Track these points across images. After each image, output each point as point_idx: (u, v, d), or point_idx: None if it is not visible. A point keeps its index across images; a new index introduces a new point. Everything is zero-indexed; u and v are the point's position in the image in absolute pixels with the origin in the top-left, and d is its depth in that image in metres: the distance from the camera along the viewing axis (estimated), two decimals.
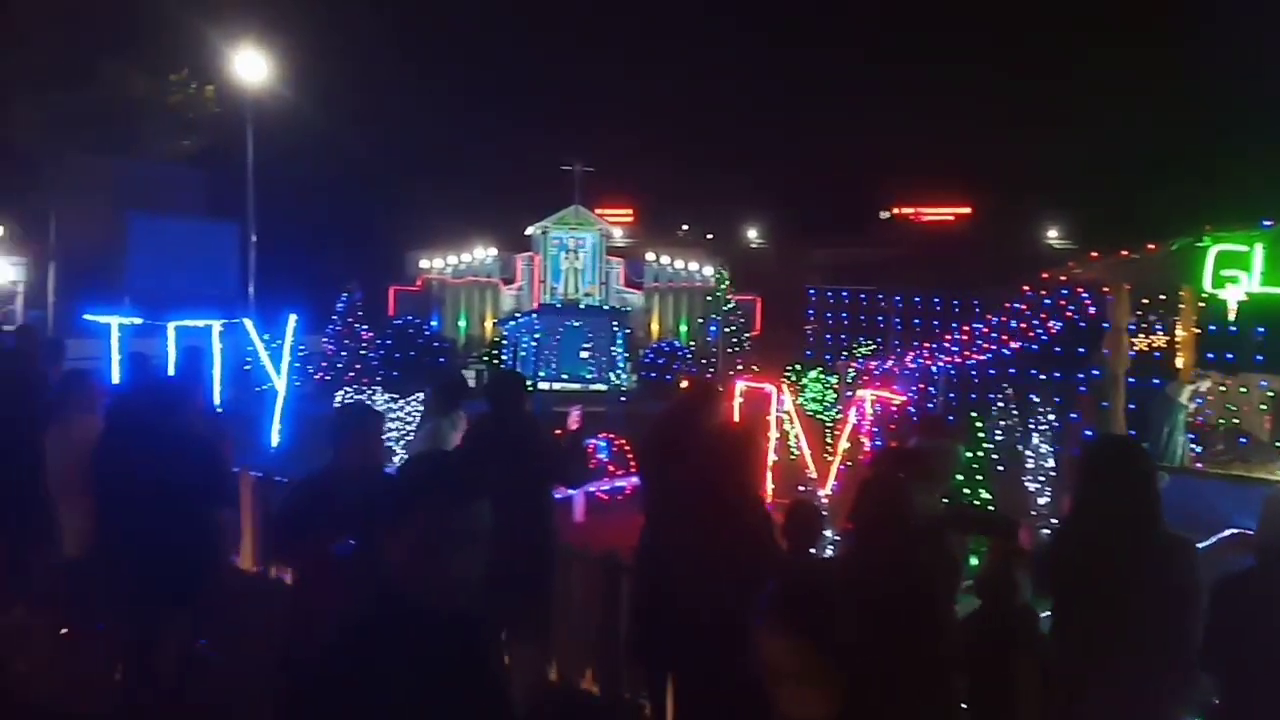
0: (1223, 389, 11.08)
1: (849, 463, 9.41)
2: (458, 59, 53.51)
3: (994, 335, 11.43)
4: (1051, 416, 10.35)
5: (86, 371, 7.45)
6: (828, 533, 6.05)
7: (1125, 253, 9.28)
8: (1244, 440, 10.73)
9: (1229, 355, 11.11)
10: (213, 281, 18.70)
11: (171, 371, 10.34)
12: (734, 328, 21.31)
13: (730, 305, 21.34)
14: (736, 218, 53.14)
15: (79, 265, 23.47)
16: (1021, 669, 3.64)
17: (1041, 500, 9.83)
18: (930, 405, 13.25)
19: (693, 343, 23.09)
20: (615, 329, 22.14)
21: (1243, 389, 11.04)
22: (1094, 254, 10.24)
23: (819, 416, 13.21)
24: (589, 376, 21.59)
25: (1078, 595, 3.62)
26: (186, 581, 5.38)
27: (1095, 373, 10.00)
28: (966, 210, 55.72)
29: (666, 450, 5.15)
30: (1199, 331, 10.55)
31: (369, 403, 5.26)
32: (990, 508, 7.76)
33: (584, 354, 21.76)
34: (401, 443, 10.77)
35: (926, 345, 12.84)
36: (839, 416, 11.97)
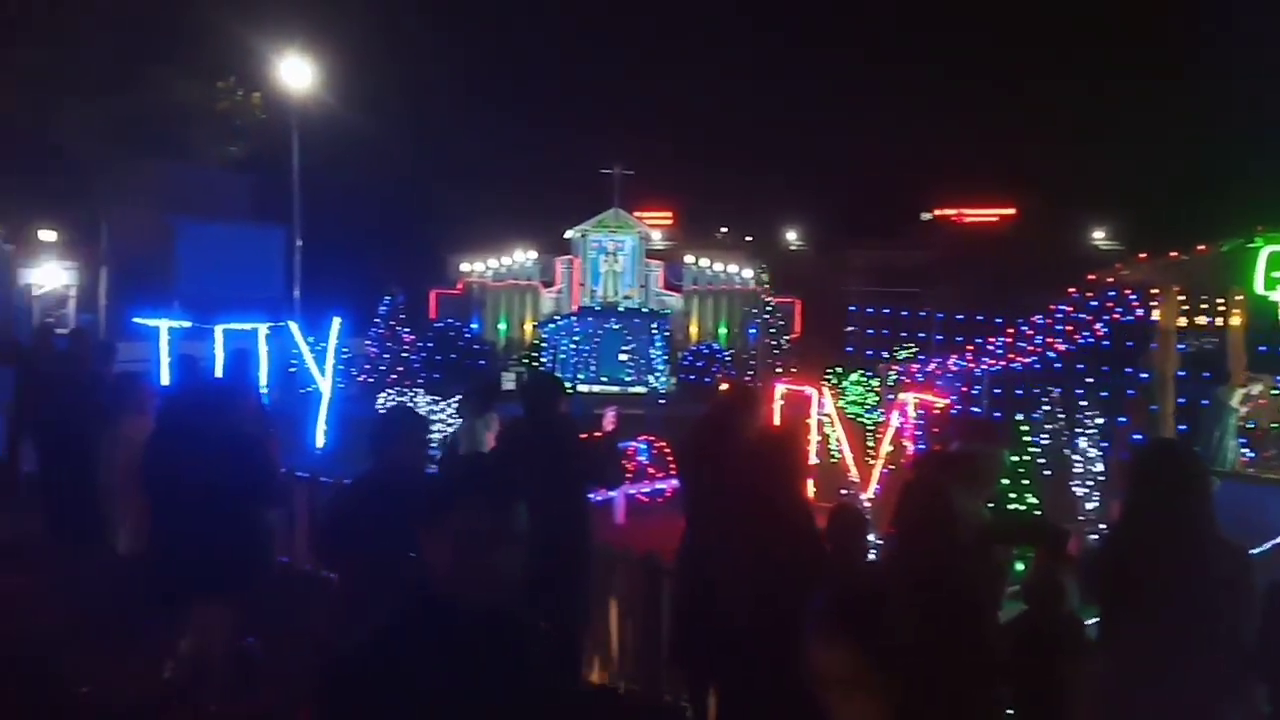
0: (1275, 392, 10.85)
1: (891, 466, 9.33)
2: (498, 64, 53.94)
3: (1039, 338, 11.28)
4: (1099, 420, 10.19)
5: (137, 374, 7.62)
6: (870, 537, 6.00)
7: (1174, 254, 9.13)
8: None
9: None
10: (259, 285, 19.00)
11: (219, 374, 10.52)
12: (774, 330, 21.23)
13: (770, 307, 21.26)
14: (776, 220, 52.91)
15: (129, 269, 23.95)
16: (1068, 676, 3.59)
17: (1089, 505, 9.68)
18: (974, 409, 13.11)
19: (732, 346, 23.04)
20: (654, 332, 22.15)
21: None
22: (1142, 255, 10.08)
23: (860, 419, 13.11)
24: (628, 379, 21.61)
25: (1127, 602, 3.57)
26: (235, 580, 5.48)
27: (1144, 376, 9.84)
28: (1010, 211, 54.97)
29: (706, 453, 5.15)
30: (1250, 334, 10.34)
31: (412, 406, 5.30)
32: (1037, 512, 7.66)
33: (623, 356, 21.78)
34: (440, 444, 10.87)
35: (970, 348, 12.69)
36: (880, 419, 11.88)
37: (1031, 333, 11.35)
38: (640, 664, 6.03)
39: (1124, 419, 9.96)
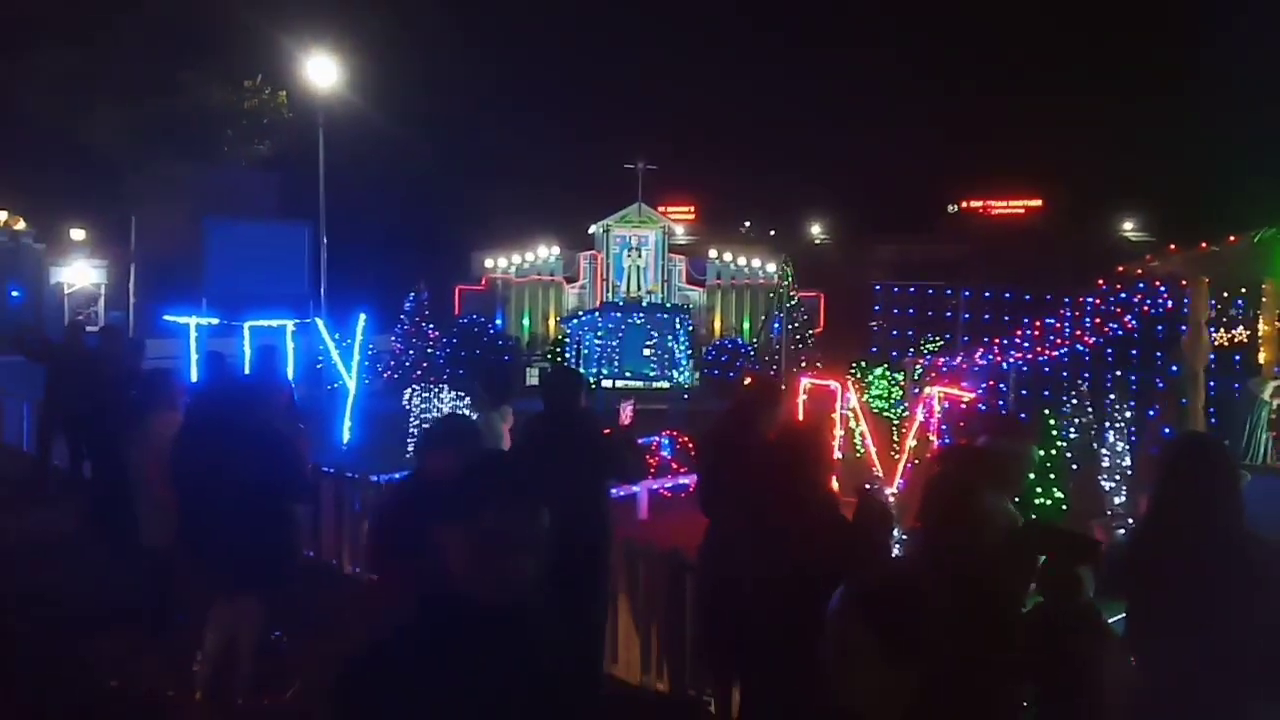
0: None
1: (916, 461, 9.27)
2: (522, 61, 53.99)
3: (1067, 331, 11.16)
4: (1128, 414, 10.08)
5: (167, 370, 7.70)
6: (895, 531, 5.97)
7: (1205, 245, 9.01)
8: None
9: None
10: (286, 282, 19.11)
11: (247, 370, 10.62)
12: (797, 324, 21.14)
13: (794, 302, 21.18)
14: (800, 214, 52.71)
15: (158, 267, 24.23)
16: (1087, 666, 3.55)
17: (1117, 499, 9.58)
18: (1001, 403, 13.00)
19: (755, 340, 22.97)
20: (678, 326, 22.13)
21: None
22: (1172, 247, 9.96)
23: (885, 414, 13.03)
24: (652, 374, 21.61)
25: (1155, 597, 3.53)
26: (263, 575, 5.53)
27: (1174, 369, 9.72)
28: (1037, 203, 54.49)
29: (730, 448, 5.13)
30: None
31: (466, 414, 5.29)
32: (1064, 506, 7.59)
33: (646, 352, 21.78)
34: None
35: (996, 341, 12.58)
36: (905, 414, 11.80)
37: (1059, 325, 11.24)
38: (664, 659, 6.03)
39: (1153, 412, 9.85)
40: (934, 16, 63.98)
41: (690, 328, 22.59)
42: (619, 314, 22.25)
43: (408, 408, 13.13)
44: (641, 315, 22.22)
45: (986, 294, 15.79)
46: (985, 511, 3.75)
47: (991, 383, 12.96)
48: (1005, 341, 12.21)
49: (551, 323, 24.17)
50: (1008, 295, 14.87)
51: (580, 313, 23.13)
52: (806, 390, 9.89)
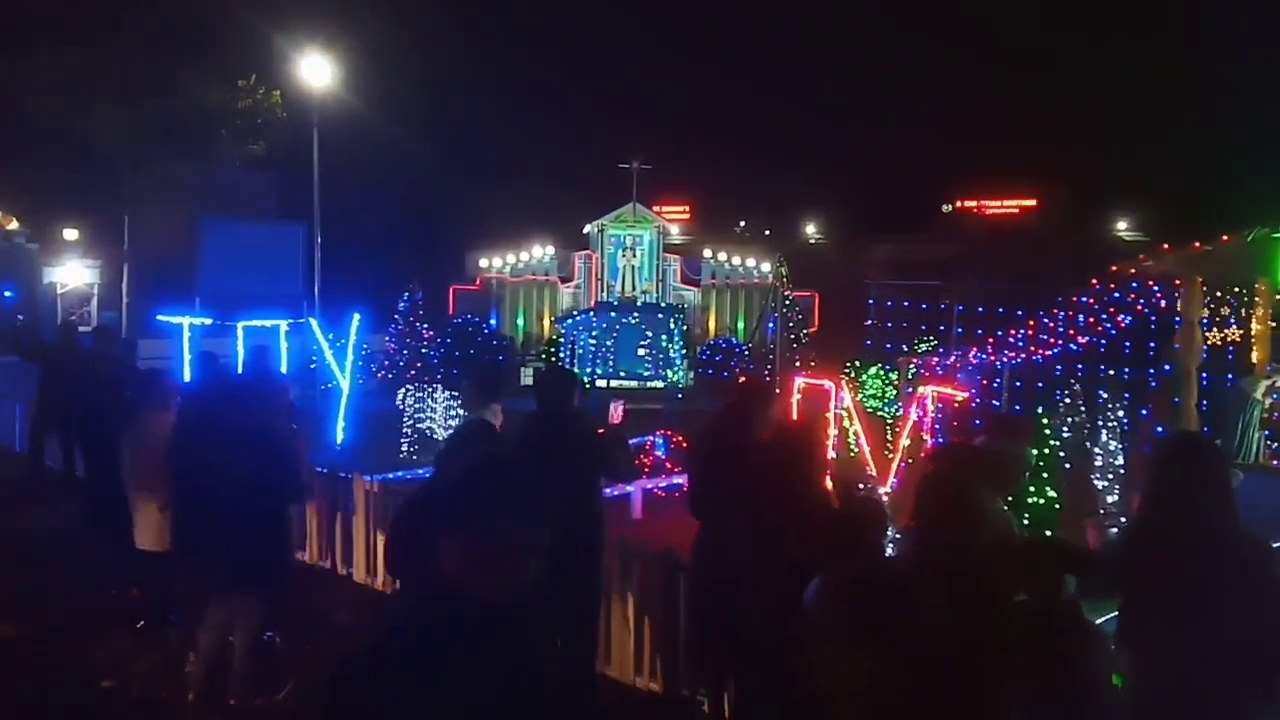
0: None
1: (910, 460, 9.28)
2: (517, 61, 53.96)
3: (1061, 330, 11.18)
4: (1121, 413, 10.10)
5: (161, 370, 7.69)
6: (889, 530, 5.98)
7: (1198, 245, 9.03)
8: None
9: None
10: (280, 282, 19.08)
11: (240, 371, 10.60)
12: (792, 324, 21.16)
13: (789, 301, 21.19)
14: (794, 214, 52.74)
15: (152, 267, 24.16)
16: (1074, 663, 3.55)
17: (1110, 498, 9.60)
18: (994, 402, 13.02)
19: (750, 339, 22.98)
20: (672, 326, 22.14)
21: None
22: (1165, 246, 9.98)
23: (879, 413, 13.05)
24: (646, 374, 21.61)
25: (1148, 595, 3.53)
26: (258, 573, 5.52)
27: (1167, 368, 9.74)
28: (1032, 203, 54.58)
29: (723, 448, 5.13)
30: (1275, 325, 10.21)
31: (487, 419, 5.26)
32: (1056, 506, 7.60)
33: (641, 351, 21.78)
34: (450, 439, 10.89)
35: (990, 340, 12.60)
36: (899, 413, 11.82)
37: (1053, 325, 11.25)
38: (657, 659, 6.03)
39: (1146, 411, 9.88)
40: (930, 17, 64.08)
41: (685, 327, 22.59)
42: (614, 314, 22.25)
43: (402, 408, 13.12)
44: (636, 315, 22.21)
45: (980, 294, 15.83)
46: (983, 510, 3.75)
47: (985, 382, 12.99)
48: (999, 340, 12.23)
49: (546, 322, 24.17)
50: (1001, 294, 14.91)
51: (575, 312, 23.12)
52: (801, 390, 9.90)
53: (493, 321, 23.59)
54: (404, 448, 12.59)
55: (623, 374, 21.43)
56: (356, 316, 12.95)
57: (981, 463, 4.09)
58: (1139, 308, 10.28)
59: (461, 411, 11.60)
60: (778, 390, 9.95)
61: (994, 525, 3.81)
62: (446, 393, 12.95)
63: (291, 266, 20.01)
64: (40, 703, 5.76)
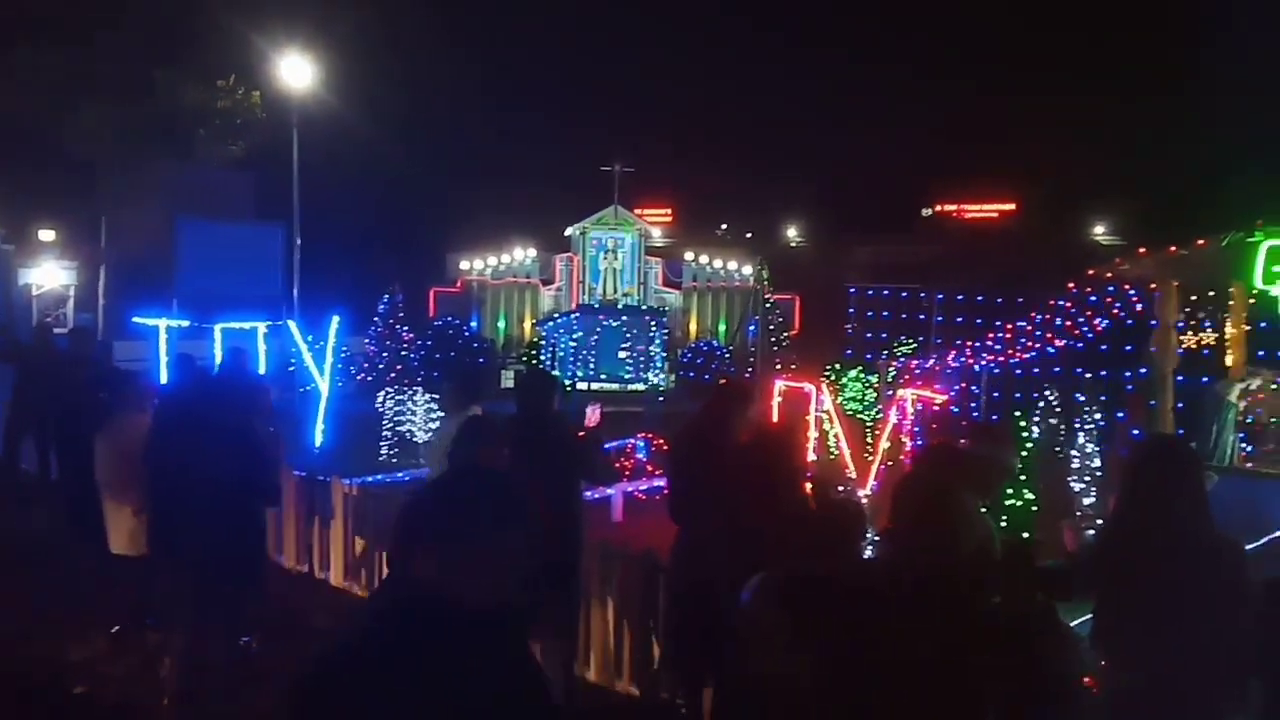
0: (1274, 387, 10.81)
1: (889, 462, 9.33)
2: (498, 62, 53.89)
3: (1038, 333, 11.25)
4: (1098, 416, 10.18)
5: (137, 372, 7.62)
6: (868, 532, 6.00)
7: (1174, 249, 9.10)
8: None
9: None
10: (259, 284, 18.97)
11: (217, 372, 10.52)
12: (773, 327, 21.21)
13: (769, 304, 21.24)
14: (776, 217, 52.85)
15: (129, 269, 23.92)
16: (1060, 669, 3.57)
17: (1086, 500, 9.68)
18: (973, 405, 13.10)
19: (731, 342, 23.02)
20: (653, 329, 22.14)
21: None
22: (1142, 250, 10.05)
23: (859, 416, 13.11)
24: (627, 376, 21.60)
25: (1124, 597, 3.56)
26: (234, 578, 5.47)
27: (1142, 371, 9.81)
28: (1011, 207, 54.98)
29: (702, 450, 5.13)
30: (1249, 328, 10.31)
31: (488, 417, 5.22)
32: (1034, 508, 7.65)
33: (622, 354, 21.77)
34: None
35: (969, 344, 12.67)
36: (879, 416, 11.87)
37: (1031, 328, 11.33)
38: (636, 662, 6.02)
39: (1122, 414, 9.96)
40: (910, 20, 64.46)
41: (666, 330, 22.61)
42: (595, 316, 22.23)
43: (381, 410, 13.06)
44: (617, 318, 22.20)
45: (959, 297, 15.91)
46: (964, 513, 3.76)
47: (964, 385, 13.06)
48: (977, 344, 12.30)
49: (527, 325, 24.12)
50: (980, 298, 15.00)
51: (556, 315, 23.09)
52: (781, 392, 9.93)
53: (474, 324, 23.51)
54: (383, 451, 12.53)
55: (604, 377, 21.42)
56: (336, 318, 12.89)
57: (964, 465, 4.10)
58: (1115, 311, 10.35)
59: (441, 414, 11.57)
60: (758, 392, 9.95)
61: (974, 528, 3.82)
62: (426, 395, 12.90)
63: (270, 268, 19.91)
64: (14, 708, 5.69)
